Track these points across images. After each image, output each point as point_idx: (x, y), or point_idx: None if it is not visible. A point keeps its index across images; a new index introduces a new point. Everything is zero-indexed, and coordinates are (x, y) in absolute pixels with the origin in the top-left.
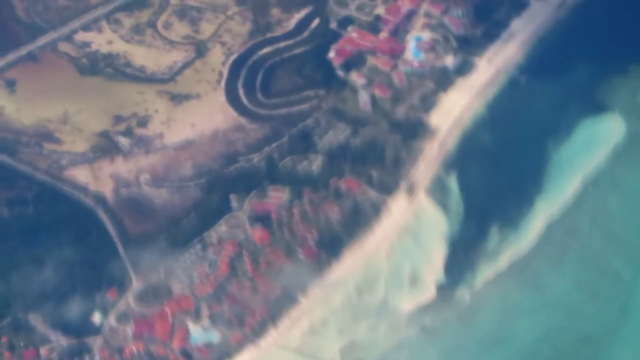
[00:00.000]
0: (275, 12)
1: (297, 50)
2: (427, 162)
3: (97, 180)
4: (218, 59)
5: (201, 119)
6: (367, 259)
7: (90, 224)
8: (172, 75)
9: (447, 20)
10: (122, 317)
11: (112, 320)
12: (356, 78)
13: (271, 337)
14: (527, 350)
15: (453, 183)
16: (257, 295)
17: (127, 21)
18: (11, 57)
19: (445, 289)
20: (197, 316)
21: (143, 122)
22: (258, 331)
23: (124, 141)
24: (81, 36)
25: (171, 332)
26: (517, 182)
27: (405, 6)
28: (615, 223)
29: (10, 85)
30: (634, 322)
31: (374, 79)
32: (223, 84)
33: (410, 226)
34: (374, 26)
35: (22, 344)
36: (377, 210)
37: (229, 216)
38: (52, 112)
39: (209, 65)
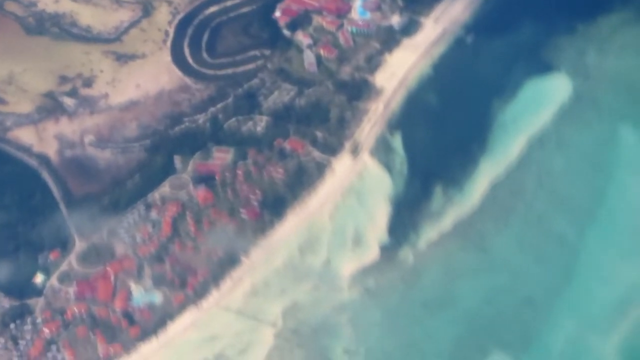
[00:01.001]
0: None
1: (244, 10)
2: (372, 123)
3: (41, 141)
4: (164, 18)
5: (146, 79)
6: (310, 219)
7: (33, 185)
8: (118, 35)
9: None
10: (65, 278)
11: (54, 281)
12: (302, 38)
13: (213, 298)
14: (470, 313)
15: (397, 143)
16: (199, 255)
17: None
18: None
19: (389, 250)
20: (139, 277)
21: (88, 83)
22: (200, 292)
23: (69, 102)
24: None
25: (113, 293)
26: (462, 142)
27: None
28: (560, 184)
29: None
30: (577, 284)
31: (319, 39)
32: (169, 43)
33: (354, 186)
34: None
35: None
36: (321, 170)
37: (173, 177)
38: None
39: (155, 24)
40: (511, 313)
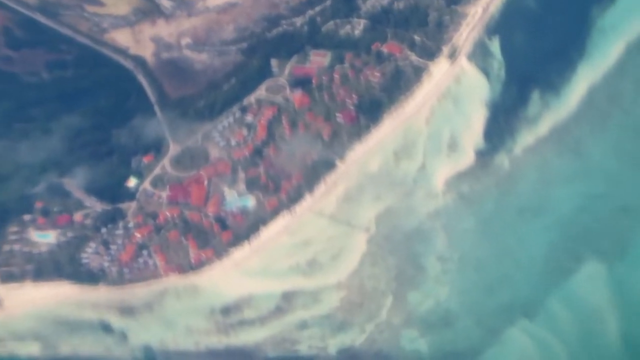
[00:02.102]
0: None
1: None
2: (470, 27)
3: (137, 43)
4: None
5: None
6: (406, 124)
7: (129, 88)
8: None
9: None
10: (158, 182)
11: (147, 185)
12: None
13: (306, 203)
14: (565, 220)
15: (495, 48)
16: (294, 160)
17: None
18: None
19: (484, 155)
20: (232, 181)
21: None
22: (293, 197)
23: (166, 3)
24: None
25: (206, 197)
26: (560, 47)
27: None
28: None
29: None
30: None
31: None
32: None
33: (451, 91)
34: None
35: (55, 209)
36: (418, 74)
37: (269, 80)
38: None
39: None
40: (606, 220)
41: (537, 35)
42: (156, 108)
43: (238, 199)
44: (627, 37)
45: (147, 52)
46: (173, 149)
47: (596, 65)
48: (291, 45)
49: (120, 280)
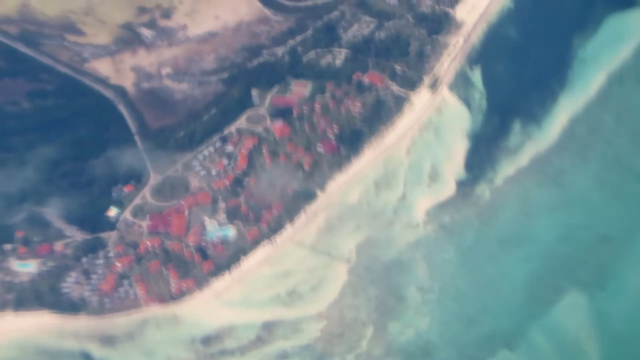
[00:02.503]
0: None
1: None
2: (452, 57)
3: (118, 73)
4: None
5: (225, 10)
6: (387, 154)
7: (109, 118)
8: None
9: None
10: (138, 212)
11: (127, 215)
12: None
13: (287, 234)
14: (546, 250)
15: (477, 78)
16: (274, 190)
17: None
18: None
19: (465, 185)
20: (213, 211)
21: (167, 14)
22: (274, 227)
23: (147, 33)
24: None
25: (187, 227)
26: (541, 77)
27: None
28: None
29: None
30: None
31: None
32: None
33: (433, 121)
34: None
35: (36, 238)
36: (399, 104)
37: (250, 110)
38: (75, 4)
39: None
40: (587, 251)
41: (519, 65)
42: (137, 138)
43: (218, 229)
44: (608, 68)
45: (127, 81)
46: (153, 178)
47: (577, 96)
48: (272, 75)
49: (101, 310)
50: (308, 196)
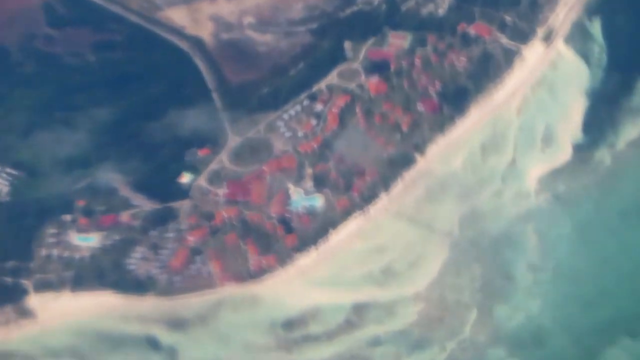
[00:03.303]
0: None
1: None
2: (568, 6)
3: (195, 22)
4: None
5: None
6: (495, 114)
7: (185, 72)
8: None
9: None
10: (214, 178)
11: (202, 181)
12: None
13: (382, 204)
14: None
15: (596, 30)
16: (368, 153)
17: None
18: None
19: (583, 150)
20: (299, 177)
21: None
22: (367, 196)
23: None
24: None
25: (269, 195)
26: None
27: None
28: None
29: None
30: None
31: None
32: None
33: (547, 78)
34: None
35: (99, 208)
36: (509, 59)
37: (342, 65)
38: None
39: None
40: None
41: None
42: (215, 95)
43: (305, 198)
44: None
45: (205, 32)
46: (232, 141)
47: None
48: (367, 26)
49: (170, 290)
50: (406, 161)
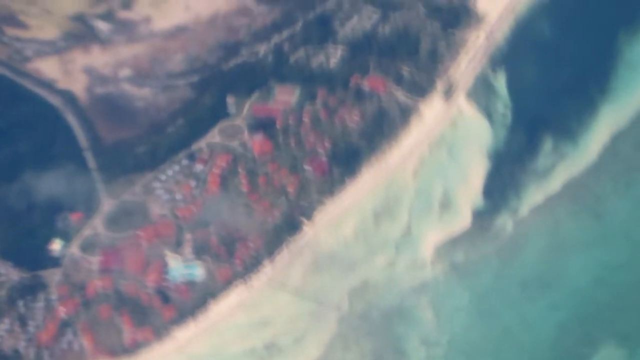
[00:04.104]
0: None
1: None
2: (470, 57)
3: (67, 75)
4: None
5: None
6: (390, 177)
7: (55, 130)
8: None
9: None
10: (87, 246)
11: (75, 249)
12: None
13: (266, 274)
14: (579, 296)
15: (500, 83)
16: (252, 220)
17: None
18: None
19: (484, 216)
20: (177, 244)
21: (127, 3)
22: (251, 266)
23: (102, 26)
24: None
25: (145, 264)
26: (579, 83)
27: None
28: None
29: None
30: None
31: None
32: None
33: (446, 136)
34: None
35: None
36: (406, 116)
37: (225, 122)
38: None
39: None
40: (628, 296)
41: (552, 67)
42: (87, 154)
43: (183, 266)
44: None
45: (78, 85)
46: (107, 204)
47: (622, 107)
48: (252, 79)
49: None
50: (292, 228)
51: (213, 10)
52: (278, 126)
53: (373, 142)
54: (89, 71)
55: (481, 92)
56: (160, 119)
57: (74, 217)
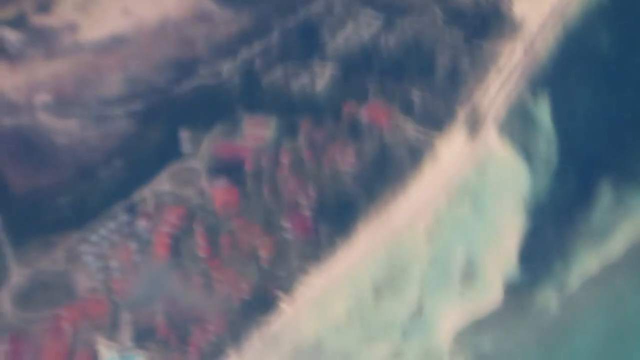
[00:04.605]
0: None
1: None
2: (504, 78)
3: None
4: None
5: (141, 0)
6: (395, 238)
7: None
8: None
9: None
10: None
11: None
12: None
13: None
14: None
15: (544, 114)
16: (212, 297)
17: None
18: None
19: (520, 291)
20: (112, 328)
21: (44, 5)
22: (210, 356)
23: (11, 36)
24: None
25: (69, 356)
26: None
27: None
28: None
29: None
30: None
31: None
32: None
33: (470, 184)
34: None
35: None
36: (416, 156)
37: (177, 165)
38: None
39: None
40: None
41: (612, 93)
42: None
43: (120, 356)
44: None
45: None
46: (16, 275)
47: None
48: (213, 107)
49: None
50: (265, 306)
51: (161, 16)
52: (247, 170)
53: (372, 190)
54: None
55: (517, 125)
56: (90, 160)
57: None
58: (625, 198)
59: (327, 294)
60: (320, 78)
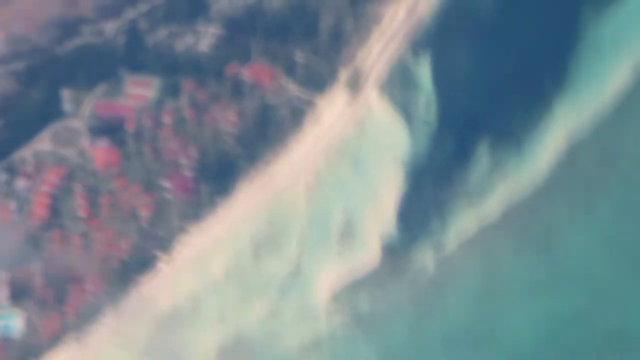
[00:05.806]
0: None
1: None
2: (385, 39)
3: None
4: None
5: None
6: (275, 197)
7: None
8: None
9: None
10: None
11: None
12: None
13: (107, 328)
14: (519, 353)
15: (425, 74)
16: (90, 255)
17: None
18: None
19: (397, 251)
20: None
21: None
22: (87, 316)
23: None
24: None
25: None
26: (527, 74)
27: None
28: None
29: None
30: None
31: None
32: None
33: (350, 144)
34: None
35: None
36: (298, 116)
37: (58, 124)
38: None
39: None
40: (585, 354)
41: (492, 53)
42: None
43: None
44: (633, 58)
45: None
46: None
47: (583, 107)
48: (96, 67)
49: None
50: (144, 265)
51: None
52: (129, 129)
53: (254, 150)
54: None
55: (398, 85)
56: None
57: None
58: (502, 160)
59: (206, 253)
60: (204, 39)
